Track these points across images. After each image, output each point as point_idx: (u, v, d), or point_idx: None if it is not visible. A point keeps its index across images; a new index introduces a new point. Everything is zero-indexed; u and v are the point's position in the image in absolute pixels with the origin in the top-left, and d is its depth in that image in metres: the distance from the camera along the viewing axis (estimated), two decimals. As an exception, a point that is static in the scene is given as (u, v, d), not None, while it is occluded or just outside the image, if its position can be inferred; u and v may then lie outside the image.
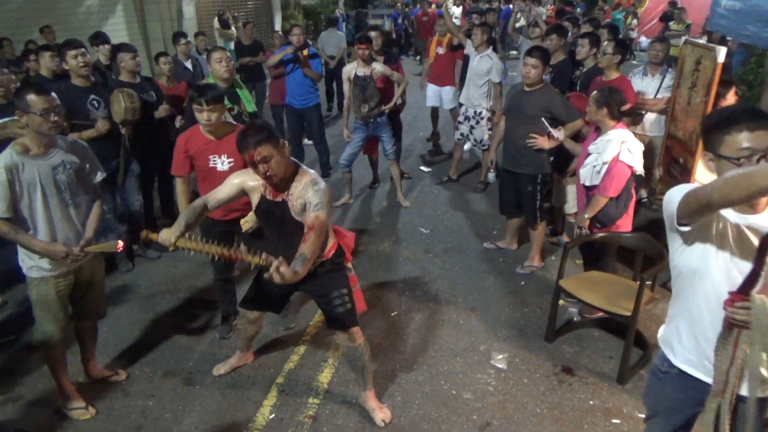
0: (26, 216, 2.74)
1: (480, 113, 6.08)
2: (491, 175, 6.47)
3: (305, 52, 6.26)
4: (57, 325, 2.95)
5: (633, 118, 4.95)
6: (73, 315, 3.10)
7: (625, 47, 5.23)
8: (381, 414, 3.06)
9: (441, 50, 7.15)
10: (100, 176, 3.06)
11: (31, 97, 2.66)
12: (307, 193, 2.60)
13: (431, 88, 7.41)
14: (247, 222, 3.29)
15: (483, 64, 5.94)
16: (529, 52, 4.22)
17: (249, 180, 2.71)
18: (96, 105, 4.27)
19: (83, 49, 4.22)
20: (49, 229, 2.80)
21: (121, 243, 2.93)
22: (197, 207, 2.69)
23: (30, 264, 2.85)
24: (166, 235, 2.51)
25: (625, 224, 3.73)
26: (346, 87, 5.68)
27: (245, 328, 3.32)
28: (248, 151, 2.45)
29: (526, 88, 4.29)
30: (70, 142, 2.95)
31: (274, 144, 2.48)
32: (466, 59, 6.48)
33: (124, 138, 4.49)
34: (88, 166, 2.98)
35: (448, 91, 7.29)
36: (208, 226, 3.55)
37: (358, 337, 2.96)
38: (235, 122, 3.63)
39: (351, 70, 5.58)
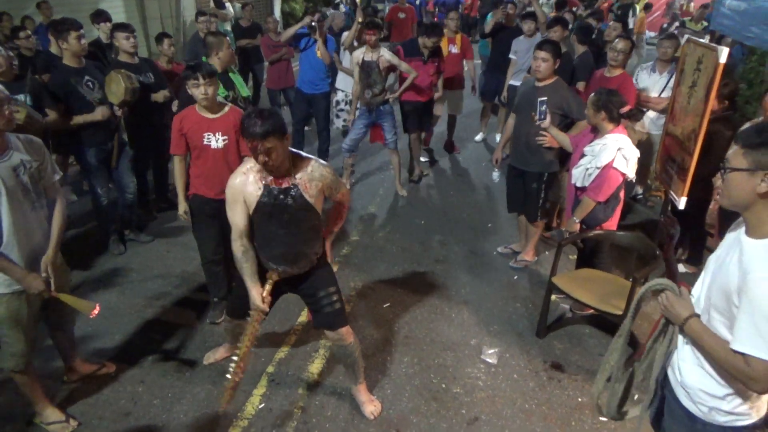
0: None
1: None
2: (495, 174, 6.37)
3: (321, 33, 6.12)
4: (28, 345, 2.72)
5: (635, 115, 4.92)
6: (46, 323, 2.97)
7: (632, 45, 5.20)
8: (371, 407, 3.07)
9: (454, 49, 6.47)
10: (56, 176, 2.79)
11: None
12: (320, 171, 2.62)
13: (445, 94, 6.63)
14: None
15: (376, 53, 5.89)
16: (540, 45, 4.13)
17: (247, 185, 2.58)
18: (91, 86, 4.23)
19: (81, 30, 4.17)
20: (17, 237, 2.55)
21: (97, 308, 2.77)
22: (246, 250, 2.68)
23: None
24: (258, 303, 2.70)
25: (610, 226, 3.73)
26: (355, 72, 5.61)
27: (232, 328, 3.30)
28: (254, 139, 2.38)
29: (537, 83, 4.15)
30: (25, 140, 2.66)
31: (280, 137, 2.42)
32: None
33: (118, 120, 4.46)
34: (45, 164, 2.71)
35: (458, 95, 6.83)
36: (200, 205, 3.56)
37: (348, 336, 2.92)
38: (227, 102, 3.62)
39: (359, 55, 5.54)
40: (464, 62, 6.67)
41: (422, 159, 6.81)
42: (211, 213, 3.57)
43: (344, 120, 6.42)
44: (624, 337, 2.15)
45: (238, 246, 2.67)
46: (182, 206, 3.64)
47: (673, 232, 4.17)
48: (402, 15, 10.11)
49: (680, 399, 1.93)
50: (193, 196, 3.58)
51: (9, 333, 2.67)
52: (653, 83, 5.18)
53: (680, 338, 1.92)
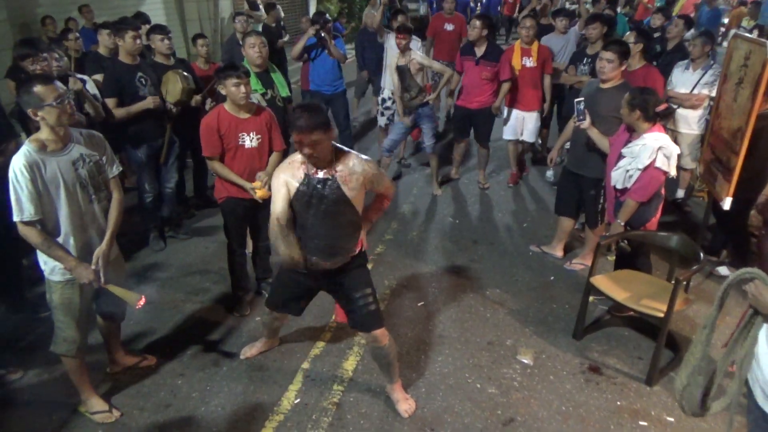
0: (49, 217, 2.59)
1: None
2: (549, 173, 6.23)
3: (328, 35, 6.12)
4: (80, 332, 2.82)
5: (669, 114, 4.79)
6: (96, 311, 3.06)
7: (648, 36, 5.09)
8: (405, 405, 3.07)
9: (529, 62, 5.60)
10: (116, 170, 2.87)
11: (40, 89, 2.49)
12: (362, 166, 2.66)
13: (513, 115, 5.90)
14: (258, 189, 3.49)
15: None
16: (606, 46, 4.01)
17: (290, 177, 2.66)
18: (143, 82, 4.40)
19: (139, 31, 4.39)
20: (73, 229, 2.65)
21: (143, 300, 2.83)
22: (284, 227, 2.68)
23: (52, 265, 2.68)
24: (290, 259, 2.70)
25: (652, 224, 3.65)
26: (394, 77, 5.58)
27: (270, 322, 3.36)
28: (301, 132, 2.44)
29: (602, 85, 4.03)
30: (87, 134, 2.77)
31: (326, 130, 2.50)
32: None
33: (172, 117, 4.61)
34: (105, 158, 2.81)
35: (532, 118, 5.87)
36: (233, 207, 3.64)
37: (383, 338, 2.90)
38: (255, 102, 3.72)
39: (394, 61, 5.55)
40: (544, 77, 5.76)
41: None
42: (242, 214, 3.69)
43: (387, 118, 6.38)
44: (709, 328, 2.10)
45: (274, 224, 2.68)
46: (248, 184, 3.55)
47: None
48: (450, 27, 7.71)
49: (757, 398, 1.89)
50: (226, 200, 3.65)
51: (62, 319, 2.78)
52: (685, 80, 5.08)
53: (761, 335, 1.88)
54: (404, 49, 5.42)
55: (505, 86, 5.62)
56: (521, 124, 5.88)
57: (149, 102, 4.35)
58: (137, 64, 4.42)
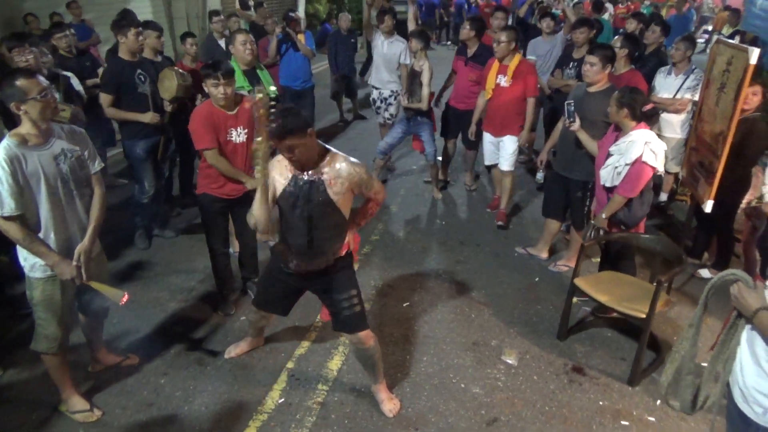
0: (29, 212, 2.55)
1: (395, 92, 6.37)
2: (539, 175, 6.24)
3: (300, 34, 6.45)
4: (61, 329, 2.78)
5: (653, 117, 4.84)
6: (78, 309, 3.02)
7: (635, 42, 5.14)
8: (390, 404, 3.07)
9: (504, 81, 4.89)
10: (98, 165, 2.83)
11: (24, 83, 2.47)
12: (348, 169, 2.60)
13: (487, 139, 5.27)
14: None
15: (394, 48, 6.22)
16: (590, 50, 4.04)
17: (278, 176, 2.65)
18: (142, 79, 4.39)
19: (141, 29, 4.42)
20: (54, 225, 2.62)
21: (126, 296, 2.78)
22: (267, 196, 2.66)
23: (33, 262, 2.64)
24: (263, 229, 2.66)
25: (639, 227, 3.69)
26: (404, 79, 5.75)
27: (256, 320, 3.34)
28: (275, 137, 2.43)
29: (589, 89, 4.06)
30: (68, 130, 2.74)
31: (301, 134, 2.44)
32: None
33: (167, 115, 4.61)
34: (87, 154, 2.77)
35: (509, 143, 5.09)
36: (209, 202, 3.65)
37: (368, 339, 2.90)
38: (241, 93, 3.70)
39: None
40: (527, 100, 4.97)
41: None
42: (220, 210, 3.69)
43: (383, 117, 6.53)
44: (696, 327, 2.13)
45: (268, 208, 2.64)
46: (249, 183, 3.54)
47: (757, 224, 4.06)
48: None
49: (736, 399, 1.90)
50: (203, 194, 3.65)
51: (43, 316, 2.74)
52: (668, 85, 5.14)
53: (742, 337, 1.90)
54: (417, 54, 5.42)
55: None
56: (496, 149, 5.22)
57: (148, 117, 4.36)
58: (138, 61, 4.42)
